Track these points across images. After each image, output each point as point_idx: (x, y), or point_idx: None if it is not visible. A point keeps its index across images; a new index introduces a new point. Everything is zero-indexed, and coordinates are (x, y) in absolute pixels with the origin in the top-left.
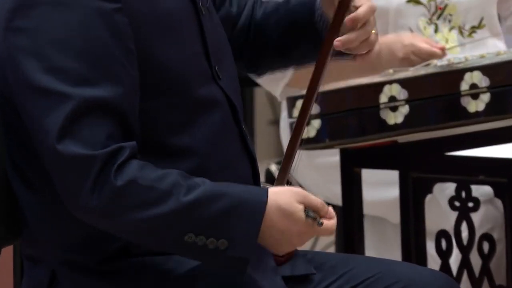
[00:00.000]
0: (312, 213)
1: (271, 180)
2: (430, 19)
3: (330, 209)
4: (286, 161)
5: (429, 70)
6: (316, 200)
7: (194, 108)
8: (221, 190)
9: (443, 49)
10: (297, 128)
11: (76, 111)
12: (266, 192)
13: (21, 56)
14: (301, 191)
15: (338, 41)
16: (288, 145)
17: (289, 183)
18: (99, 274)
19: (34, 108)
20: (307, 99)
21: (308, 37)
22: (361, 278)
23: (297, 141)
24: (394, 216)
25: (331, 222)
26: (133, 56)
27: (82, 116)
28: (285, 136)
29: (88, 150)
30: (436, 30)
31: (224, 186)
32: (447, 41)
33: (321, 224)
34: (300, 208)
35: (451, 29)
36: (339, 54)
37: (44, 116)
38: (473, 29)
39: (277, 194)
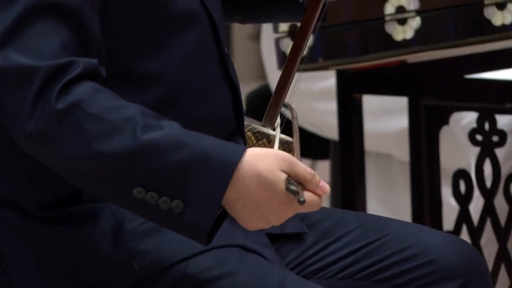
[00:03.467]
0: (294, 186)
1: (255, 111)
2: None
3: (323, 183)
4: (277, 96)
5: None
6: (304, 169)
7: (166, 22)
8: (186, 139)
9: None
10: (292, 57)
11: (25, 13)
12: (242, 151)
13: None
14: (288, 156)
15: None
16: (281, 77)
17: (282, 121)
18: (43, 219)
19: None
20: (307, 18)
21: None
22: (365, 241)
23: (291, 73)
24: (402, 151)
25: (317, 197)
26: None
27: (32, 19)
28: (268, 55)
29: (32, 61)
30: None
31: (193, 135)
32: None
33: (303, 202)
34: (283, 178)
35: None
36: None
37: None
38: None
39: (258, 157)
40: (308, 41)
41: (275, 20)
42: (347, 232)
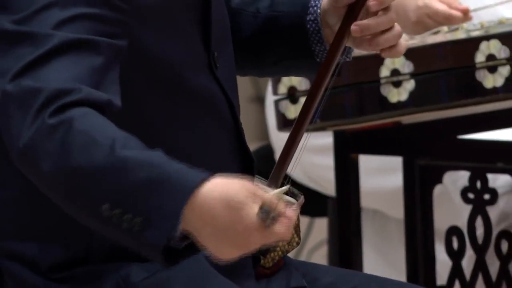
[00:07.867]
0: (267, 208)
1: None
2: None
3: (289, 209)
4: (284, 156)
5: (438, 38)
6: (270, 195)
7: (182, 102)
8: (154, 160)
9: (466, 12)
10: (299, 122)
11: (52, 49)
12: (207, 175)
13: None
14: (252, 184)
15: (356, 25)
16: (289, 137)
17: (286, 182)
18: (50, 279)
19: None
20: (314, 89)
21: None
22: None
23: (300, 133)
24: (397, 209)
25: (285, 222)
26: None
27: (56, 55)
28: (272, 117)
29: (39, 84)
30: None
31: (162, 158)
32: None
33: (273, 218)
34: (250, 202)
35: None
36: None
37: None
38: None
39: (224, 182)
40: (318, 102)
41: (291, 75)
42: None
